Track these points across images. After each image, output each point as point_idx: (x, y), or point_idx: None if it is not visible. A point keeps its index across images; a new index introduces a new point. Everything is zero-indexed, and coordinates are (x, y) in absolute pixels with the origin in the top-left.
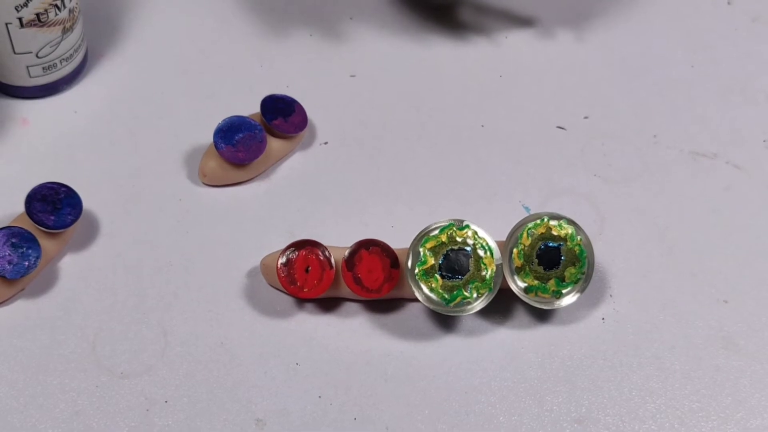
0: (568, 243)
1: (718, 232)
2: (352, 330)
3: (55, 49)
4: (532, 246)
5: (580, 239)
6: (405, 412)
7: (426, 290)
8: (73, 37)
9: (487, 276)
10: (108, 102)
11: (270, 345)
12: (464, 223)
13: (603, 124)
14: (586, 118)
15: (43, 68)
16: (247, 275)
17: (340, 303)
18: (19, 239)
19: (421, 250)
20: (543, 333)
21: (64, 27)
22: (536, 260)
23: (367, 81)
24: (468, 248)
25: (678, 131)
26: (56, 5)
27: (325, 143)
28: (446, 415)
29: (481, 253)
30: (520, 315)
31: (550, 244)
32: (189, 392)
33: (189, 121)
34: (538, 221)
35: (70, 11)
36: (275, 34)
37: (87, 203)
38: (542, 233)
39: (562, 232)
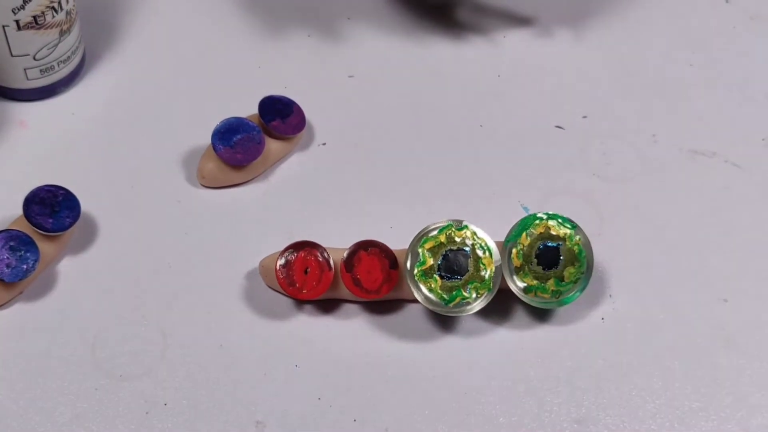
0: (567, 243)
1: (717, 231)
2: (351, 331)
3: (53, 51)
4: (531, 246)
5: (579, 239)
6: (405, 413)
7: (425, 291)
8: (70, 40)
9: (486, 276)
10: (106, 104)
11: (269, 347)
12: (463, 224)
13: (602, 123)
14: (584, 117)
15: (41, 70)
16: (246, 277)
17: (339, 304)
18: (18, 242)
19: (419, 250)
20: (542, 333)
21: (62, 29)
22: (535, 260)
23: (366, 81)
24: (467, 248)
25: (677, 130)
26: (53, 7)
27: (324, 144)
28: (446, 415)
29: (480, 253)
30: (520, 315)
31: (549, 244)
32: (188, 394)
33: (187, 123)
34: (537, 221)
35: (68, 13)
36: (273, 35)
37: (85, 206)
38: (541, 233)
39: (561, 232)
